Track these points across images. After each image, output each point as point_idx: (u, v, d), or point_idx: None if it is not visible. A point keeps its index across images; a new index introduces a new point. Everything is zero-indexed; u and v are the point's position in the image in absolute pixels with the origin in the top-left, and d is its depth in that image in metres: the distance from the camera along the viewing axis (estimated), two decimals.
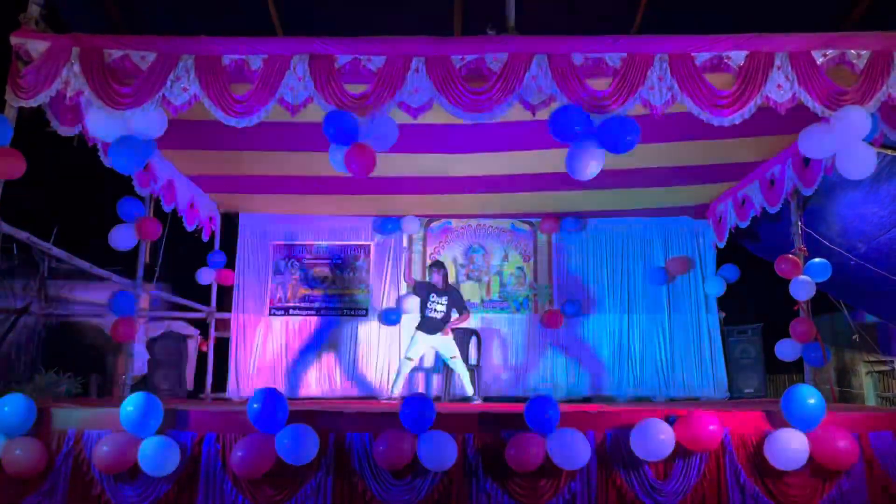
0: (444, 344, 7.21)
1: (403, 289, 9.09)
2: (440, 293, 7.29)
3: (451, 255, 9.22)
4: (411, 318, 8.93)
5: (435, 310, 7.24)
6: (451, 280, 8.90)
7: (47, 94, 4.72)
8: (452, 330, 7.31)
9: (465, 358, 7.73)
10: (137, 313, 6.86)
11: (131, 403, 4.26)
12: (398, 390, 7.24)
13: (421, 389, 8.64)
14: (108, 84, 4.71)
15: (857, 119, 4.55)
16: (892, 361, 9.68)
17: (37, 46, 4.79)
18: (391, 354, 8.87)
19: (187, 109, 4.80)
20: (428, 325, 7.22)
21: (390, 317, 8.90)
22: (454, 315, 7.32)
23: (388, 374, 8.76)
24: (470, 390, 7.17)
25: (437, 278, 7.38)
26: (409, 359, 7.26)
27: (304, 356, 8.89)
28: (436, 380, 8.63)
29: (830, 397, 7.44)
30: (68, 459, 4.39)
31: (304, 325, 9.01)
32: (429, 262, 9.05)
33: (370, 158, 4.79)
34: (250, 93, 4.72)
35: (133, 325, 6.63)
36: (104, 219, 6.74)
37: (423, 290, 7.43)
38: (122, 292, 6.69)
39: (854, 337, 8.68)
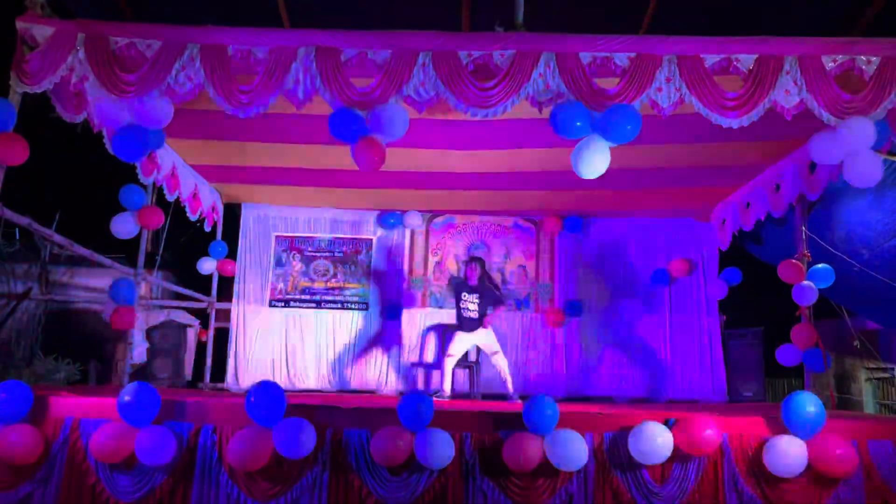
0: (486, 339, 7.15)
1: (405, 284, 9.08)
2: (471, 290, 7.21)
3: (452, 252, 9.20)
4: (411, 313, 8.96)
5: (468, 308, 7.15)
6: (454, 273, 8.94)
7: (52, 80, 4.70)
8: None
9: (466, 355, 7.71)
10: (137, 301, 6.84)
11: (129, 393, 4.26)
12: (447, 387, 7.18)
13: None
14: (112, 71, 4.68)
15: (863, 130, 4.52)
16: (892, 369, 9.65)
17: (42, 32, 4.77)
18: (391, 349, 8.87)
19: (192, 98, 4.78)
20: (465, 325, 7.16)
21: (390, 312, 8.89)
22: (490, 310, 7.23)
23: (388, 370, 8.77)
24: (511, 387, 7.13)
25: (469, 274, 7.31)
26: (451, 356, 7.17)
27: (303, 349, 8.88)
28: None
29: (830, 403, 7.41)
30: (64, 447, 4.39)
31: (304, 317, 9.00)
32: (433, 257, 9.06)
33: (379, 153, 4.75)
34: (255, 83, 4.69)
35: (132, 313, 6.62)
36: (107, 206, 6.73)
37: (455, 288, 7.37)
38: (123, 280, 6.67)
39: (855, 343, 8.65)
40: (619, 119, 4.50)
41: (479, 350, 7.95)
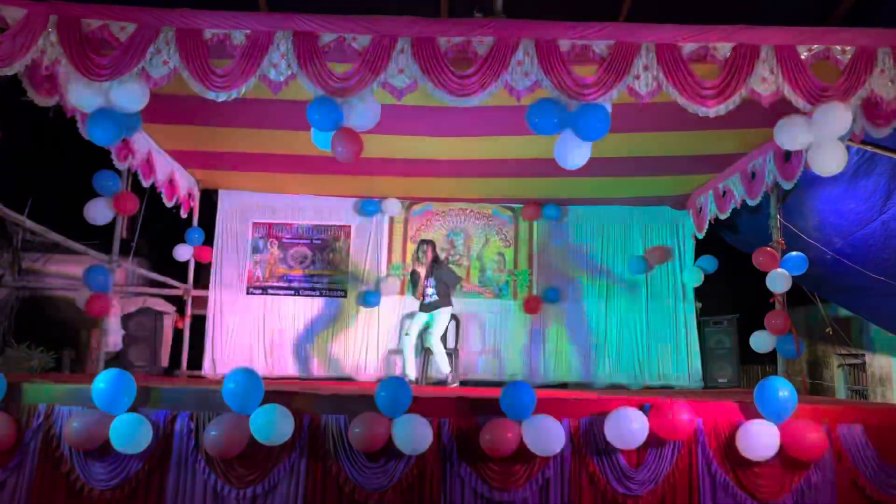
0: (437, 319, 7.20)
1: (383, 271, 9.07)
2: (427, 276, 7.31)
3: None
4: (390, 300, 8.95)
5: (427, 294, 7.29)
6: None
7: (23, 63, 4.57)
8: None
9: (444, 342, 7.72)
10: (112, 289, 6.76)
11: (104, 379, 4.22)
12: (410, 371, 7.25)
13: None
14: (85, 55, 4.58)
15: (839, 116, 4.57)
16: (862, 355, 9.82)
17: (13, 13, 4.64)
18: (368, 336, 8.88)
19: (167, 83, 4.71)
20: (425, 307, 7.30)
21: (369, 299, 8.88)
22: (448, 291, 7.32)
23: (366, 356, 8.78)
24: (446, 369, 7.15)
25: (423, 260, 7.36)
26: (407, 334, 7.31)
27: (281, 336, 8.85)
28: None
29: (802, 389, 7.54)
30: (38, 435, 4.35)
31: (282, 304, 8.96)
32: (411, 244, 9.03)
33: (358, 143, 4.74)
34: (231, 67, 4.62)
35: (107, 300, 6.54)
36: (80, 192, 6.62)
37: (414, 279, 7.50)
38: (97, 267, 6.59)
39: (827, 330, 8.79)
40: (589, 118, 4.55)
41: (456, 340, 8.03)
